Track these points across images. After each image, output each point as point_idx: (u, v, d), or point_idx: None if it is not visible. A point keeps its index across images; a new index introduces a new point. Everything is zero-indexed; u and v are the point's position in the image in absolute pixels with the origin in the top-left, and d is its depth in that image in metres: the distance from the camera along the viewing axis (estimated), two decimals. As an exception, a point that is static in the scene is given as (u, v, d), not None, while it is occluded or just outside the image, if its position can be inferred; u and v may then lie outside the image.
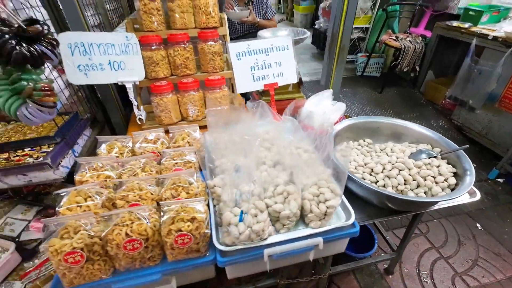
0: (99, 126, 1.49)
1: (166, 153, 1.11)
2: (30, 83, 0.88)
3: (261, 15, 2.59)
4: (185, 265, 0.89)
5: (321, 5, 4.79)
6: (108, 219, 0.86)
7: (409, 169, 1.18)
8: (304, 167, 1.03)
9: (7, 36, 0.79)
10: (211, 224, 0.92)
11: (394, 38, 3.50)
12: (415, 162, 1.20)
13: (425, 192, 1.13)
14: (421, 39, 3.43)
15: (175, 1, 1.32)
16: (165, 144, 1.21)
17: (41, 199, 1.48)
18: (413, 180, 1.15)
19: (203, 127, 1.35)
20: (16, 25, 0.83)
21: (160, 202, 0.86)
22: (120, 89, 1.56)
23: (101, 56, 1.20)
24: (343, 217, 1.01)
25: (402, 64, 3.37)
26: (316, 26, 4.90)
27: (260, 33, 1.76)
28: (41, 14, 1.12)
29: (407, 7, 3.71)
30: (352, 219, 0.95)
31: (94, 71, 1.21)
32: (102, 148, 1.15)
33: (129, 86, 1.26)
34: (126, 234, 0.80)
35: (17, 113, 0.91)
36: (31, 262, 1.19)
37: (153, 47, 1.29)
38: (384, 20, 3.74)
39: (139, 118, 1.33)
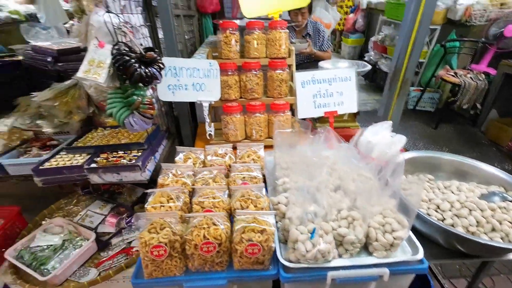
0: (172, 137, 1.67)
1: (234, 168, 1.21)
2: (139, 98, 1.06)
3: (317, 47, 2.73)
4: (250, 275, 0.93)
5: (372, 38, 4.85)
6: (187, 221, 0.96)
7: (482, 210, 1.11)
8: (368, 195, 1.04)
9: (132, 60, 0.98)
10: (275, 239, 0.96)
11: (453, 74, 3.38)
12: (488, 204, 1.13)
13: (501, 238, 1.05)
14: (484, 76, 3.25)
15: (252, 34, 1.49)
16: (232, 159, 1.32)
17: (115, 197, 1.67)
18: (487, 223, 1.08)
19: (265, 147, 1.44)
20: (138, 52, 1.04)
21: (237, 211, 0.93)
22: (191, 107, 1.76)
23: (187, 78, 1.39)
24: (409, 251, 0.98)
25: (462, 100, 3.20)
26: (365, 59, 4.94)
27: (321, 64, 1.86)
28: (147, 42, 1.37)
29: (467, 43, 3.59)
30: (421, 254, 0.92)
31: (179, 91, 1.40)
32: (179, 157, 1.29)
33: (205, 105, 1.42)
34: (204, 236, 0.89)
35: (124, 121, 1.09)
36: (105, 253, 1.34)
37: (229, 73, 1.46)
38: (442, 56, 3.64)
39: (209, 134, 1.48)
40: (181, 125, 1.65)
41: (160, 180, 1.13)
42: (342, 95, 1.56)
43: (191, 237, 0.89)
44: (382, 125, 1.55)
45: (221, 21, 1.58)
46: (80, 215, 1.54)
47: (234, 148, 1.37)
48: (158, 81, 1.09)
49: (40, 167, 1.18)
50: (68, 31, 2.40)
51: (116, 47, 0.99)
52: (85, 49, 1.80)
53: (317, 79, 1.51)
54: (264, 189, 1.07)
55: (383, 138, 1.51)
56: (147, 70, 1.03)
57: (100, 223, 1.49)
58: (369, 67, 1.76)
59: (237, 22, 1.53)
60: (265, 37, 1.53)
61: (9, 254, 1.26)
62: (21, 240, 1.32)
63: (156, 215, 0.94)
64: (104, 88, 1.48)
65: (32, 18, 5.45)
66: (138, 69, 1.00)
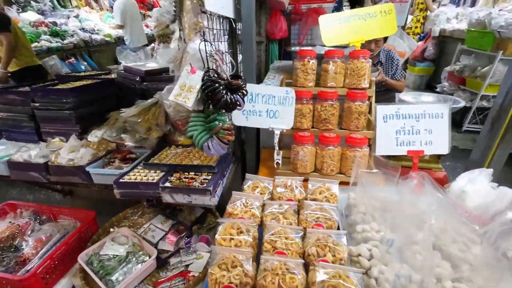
0: (237, 162, 1.66)
1: (307, 205, 1.11)
2: (220, 123, 1.06)
3: (389, 75, 2.55)
4: None
5: (447, 68, 4.41)
6: (258, 261, 0.88)
7: None
8: (481, 267, 0.83)
9: (221, 87, 0.99)
10: (356, 300, 0.82)
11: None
12: None
13: None
14: None
15: (330, 63, 1.43)
16: (302, 193, 1.22)
17: (175, 214, 1.69)
18: None
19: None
20: (225, 78, 1.04)
21: (320, 262, 0.82)
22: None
23: (262, 105, 1.37)
24: None
25: None
26: (437, 90, 4.49)
27: (402, 96, 1.70)
28: (228, 68, 1.40)
29: None
30: None
31: (253, 116, 1.39)
32: (247, 185, 1.25)
33: (277, 132, 1.38)
34: (279, 285, 0.79)
35: (203, 144, 1.09)
36: (164, 273, 1.33)
37: (304, 101, 1.41)
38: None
39: (277, 162, 1.42)
40: (247, 150, 1.63)
41: (229, 208, 1.09)
42: (431, 133, 1.37)
43: (265, 283, 0.80)
44: (480, 172, 1.31)
45: (299, 49, 1.56)
46: (144, 227, 1.58)
47: (305, 180, 1.28)
48: (240, 107, 1.08)
49: (121, 180, 1.24)
50: (152, 55, 2.67)
51: (207, 73, 1.02)
52: (165, 70, 1.96)
53: (402, 113, 1.36)
54: (344, 237, 0.94)
55: (480, 189, 1.26)
56: (232, 97, 1.03)
57: (160, 239, 1.51)
58: (462, 103, 1.53)
59: (315, 50, 1.49)
60: (344, 66, 1.45)
61: (81, 258, 1.33)
62: (93, 246, 1.39)
63: (227, 250, 0.88)
64: (181, 108, 1.55)
65: (120, 41, 6.37)
66: (225, 96, 1.00)
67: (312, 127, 1.47)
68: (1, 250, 1.38)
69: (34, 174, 1.39)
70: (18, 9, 5.19)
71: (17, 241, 1.44)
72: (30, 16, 5.06)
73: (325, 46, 2.19)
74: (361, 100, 1.39)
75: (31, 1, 5.60)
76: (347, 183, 1.34)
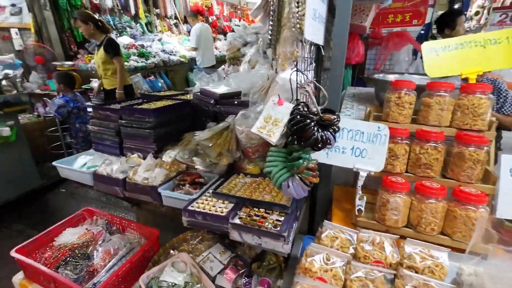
0: (308, 200, 1.50)
1: (407, 277, 0.87)
2: (305, 162, 0.92)
3: (494, 109, 2.11)
4: None
5: None
6: None
7: None
8: None
9: (312, 124, 0.86)
10: None
11: None
12: None
13: None
14: None
15: (434, 97, 1.20)
16: (395, 256, 0.98)
17: (235, 246, 1.58)
18: None
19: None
20: (315, 112, 0.92)
21: None
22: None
23: (347, 141, 1.21)
24: None
25: None
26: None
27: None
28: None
29: None
30: None
31: (335, 153, 1.22)
32: (325, 235, 1.07)
33: (363, 174, 1.18)
34: None
35: (282, 183, 0.97)
36: (220, 316, 1.21)
37: (398, 140, 1.19)
38: None
39: (359, 209, 1.21)
40: (319, 186, 1.46)
41: (306, 263, 0.92)
42: None
43: None
44: None
45: (383, 76, 1.37)
46: (202, 255, 1.50)
47: (403, 238, 1.04)
48: (330, 146, 0.93)
49: (189, 207, 1.19)
50: (224, 77, 2.76)
51: (298, 107, 0.91)
52: (237, 94, 1.95)
53: (541, 168, 1.03)
54: None
55: None
56: (323, 134, 0.89)
57: (219, 273, 1.41)
58: None
59: (415, 80, 1.28)
60: (454, 102, 1.20)
61: (142, 280, 1.30)
62: (153, 268, 1.36)
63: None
64: (253, 135, 1.48)
65: (192, 61, 6.98)
66: (315, 133, 0.87)
67: (406, 172, 1.23)
68: (76, 256, 1.45)
69: (113, 188, 1.47)
70: (117, 34, 6.15)
71: (90, 249, 1.51)
72: (125, 39, 5.93)
73: (412, 74, 1.93)
74: (479, 145, 1.10)
75: (127, 28, 6.60)
76: (451, 248, 1.06)
